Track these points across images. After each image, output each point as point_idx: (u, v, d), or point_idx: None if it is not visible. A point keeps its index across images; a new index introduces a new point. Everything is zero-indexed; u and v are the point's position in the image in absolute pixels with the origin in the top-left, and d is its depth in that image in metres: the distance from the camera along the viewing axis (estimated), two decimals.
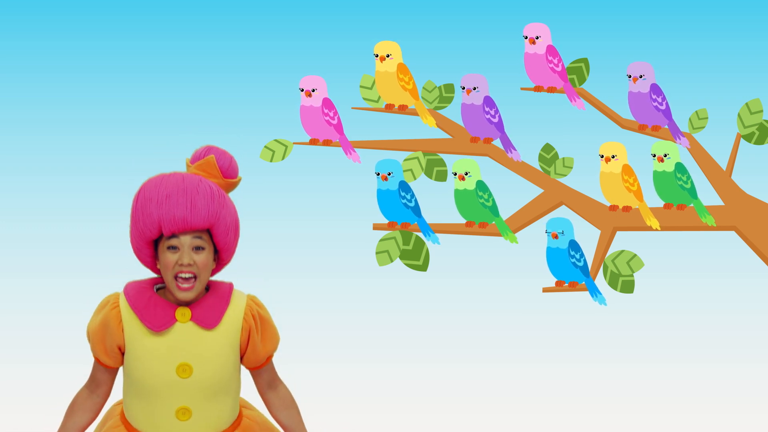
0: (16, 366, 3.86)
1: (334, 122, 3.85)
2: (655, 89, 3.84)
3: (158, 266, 2.35)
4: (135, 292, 2.35)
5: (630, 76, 3.85)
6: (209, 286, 2.40)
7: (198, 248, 2.30)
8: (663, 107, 3.84)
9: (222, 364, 2.36)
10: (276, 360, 2.51)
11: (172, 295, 2.34)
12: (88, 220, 4.07)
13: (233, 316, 2.37)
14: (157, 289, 2.39)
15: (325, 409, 3.59)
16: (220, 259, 2.39)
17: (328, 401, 3.60)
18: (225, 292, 2.39)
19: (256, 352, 2.41)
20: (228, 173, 2.40)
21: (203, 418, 2.36)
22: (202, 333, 2.34)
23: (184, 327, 2.33)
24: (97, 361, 2.39)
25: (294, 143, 3.86)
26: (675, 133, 3.85)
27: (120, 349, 2.35)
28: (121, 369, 2.41)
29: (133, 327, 2.33)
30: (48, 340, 3.87)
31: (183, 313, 2.33)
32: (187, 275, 2.30)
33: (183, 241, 2.29)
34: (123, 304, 2.34)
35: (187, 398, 2.34)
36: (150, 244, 2.32)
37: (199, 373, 2.33)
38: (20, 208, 4.20)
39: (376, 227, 3.75)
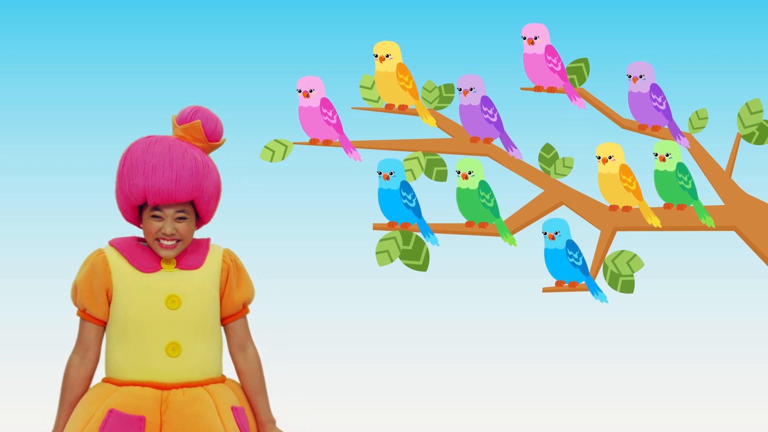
0: (16, 366, 3.86)
1: (333, 122, 3.85)
2: (655, 89, 3.83)
3: (142, 226, 2.42)
4: (122, 241, 2.44)
5: (630, 76, 3.85)
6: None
7: (181, 218, 2.39)
8: (663, 107, 3.84)
9: (208, 298, 2.42)
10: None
11: (155, 252, 2.42)
12: (88, 220, 4.07)
13: (213, 260, 2.45)
14: (139, 242, 2.47)
15: (325, 409, 3.59)
16: (201, 221, 2.48)
17: (328, 401, 3.60)
18: (204, 243, 2.48)
19: (232, 297, 2.47)
20: (213, 136, 2.46)
21: (192, 357, 2.40)
22: (188, 272, 2.42)
23: (170, 271, 2.41)
24: (84, 317, 2.42)
25: (294, 143, 3.86)
26: (675, 133, 3.85)
27: (108, 294, 2.39)
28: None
29: (120, 268, 2.39)
30: (48, 340, 3.86)
31: (168, 261, 2.41)
32: (170, 242, 2.39)
33: (166, 213, 2.37)
34: (110, 251, 2.42)
35: (176, 332, 2.38)
36: (135, 208, 2.40)
37: (187, 304, 2.38)
38: (20, 208, 4.20)
39: (376, 227, 3.75)
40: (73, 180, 4.19)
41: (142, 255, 2.40)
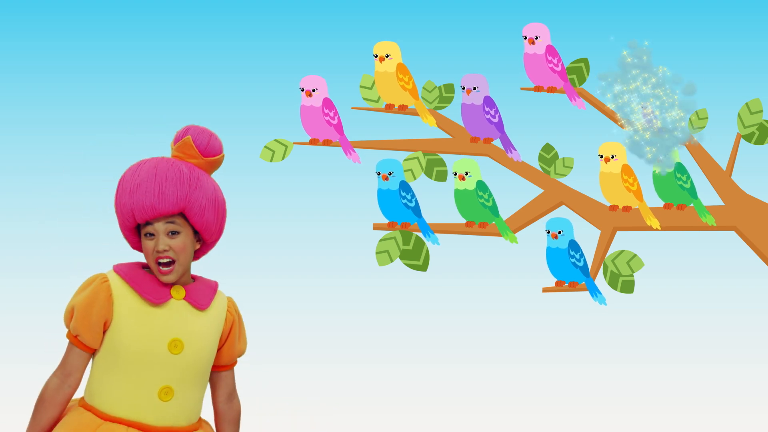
0: (16, 366, 3.86)
1: (334, 122, 3.85)
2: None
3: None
4: (128, 269, 2.36)
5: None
6: (195, 279, 2.43)
7: (173, 233, 2.32)
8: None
9: (209, 345, 2.38)
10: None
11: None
12: (88, 220, 4.08)
13: (219, 306, 2.41)
14: (145, 270, 2.40)
15: (325, 410, 3.59)
16: (204, 240, 2.40)
17: (328, 401, 3.60)
18: (212, 284, 2.43)
19: (232, 348, 2.44)
20: (207, 152, 2.39)
21: (182, 403, 2.36)
22: (195, 312, 2.36)
23: (178, 304, 2.34)
24: (74, 343, 2.35)
25: (294, 143, 3.86)
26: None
27: (105, 324, 2.32)
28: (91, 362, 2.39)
29: (124, 301, 2.32)
30: (46, 341, 3.86)
31: (177, 290, 2.35)
32: (166, 260, 2.32)
33: (157, 228, 2.31)
34: (114, 279, 2.34)
35: (172, 377, 2.34)
36: (133, 231, 2.35)
37: (189, 350, 2.34)
38: (20, 207, 4.20)
39: (376, 227, 3.75)
40: (73, 180, 4.19)
41: (151, 283, 2.33)
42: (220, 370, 2.46)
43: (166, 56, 4.38)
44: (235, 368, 2.50)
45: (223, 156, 2.42)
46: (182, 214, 2.33)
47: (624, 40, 4.14)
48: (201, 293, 2.38)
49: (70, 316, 2.35)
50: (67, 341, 2.37)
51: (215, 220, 2.38)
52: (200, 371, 2.38)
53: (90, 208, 4.08)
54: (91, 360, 2.38)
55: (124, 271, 2.35)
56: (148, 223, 2.31)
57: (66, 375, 2.36)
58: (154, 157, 2.36)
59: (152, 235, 2.31)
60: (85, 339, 2.34)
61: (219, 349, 2.43)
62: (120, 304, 2.32)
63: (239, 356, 2.48)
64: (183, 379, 2.35)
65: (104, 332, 2.34)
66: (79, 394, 2.41)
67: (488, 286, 3.93)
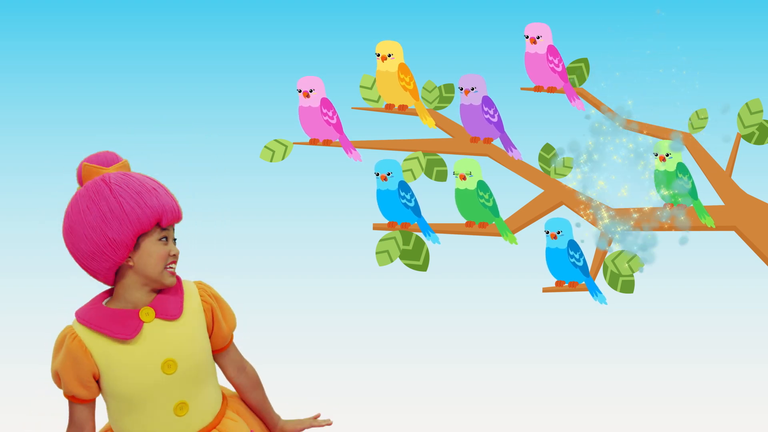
0: (16, 366, 3.86)
1: (333, 122, 3.85)
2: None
3: (131, 262, 2.30)
4: (89, 314, 2.33)
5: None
6: None
7: (175, 240, 2.37)
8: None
9: (200, 349, 2.38)
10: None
11: (157, 282, 2.32)
12: None
13: (192, 303, 2.40)
14: (105, 304, 2.37)
15: (325, 410, 3.59)
16: None
17: (328, 401, 3.60)
18: (176, 284, 2.40)
19: (222, 331, 2.44)
20: None
21: (200, 407, 2.38)
22: (171, 325, 2.34)
23: (152, 326, 2.33)
24: (73, 401, 2.35)
25: (294, 143, 3.86)
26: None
27: (95, 376, 2.32)
28: (99, 401, 2.39)
29: (101, 348, 2.30)
30: (47, 341, 3.86)
31: (147, 312, 2.33)
32: (174, 266, 2.35)
33: (171, 233, 2.34)
34: (81, 331, 2.31)
35: (180, 392, 2.35)
36: (134, 239, 2.29)
37: (183, 364, 2.34)
38: (20, 207, 4.20)
39: (376, 227, 3.75)
40: (73, 180, 4.18)
41: (116, 320, 2.31)
42: (220, 352, 2.48)
43: (166, 56, 4.38)
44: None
45: None
46: None
47: (624, 40, 4.15)
48: (168, 302, 2.36)
49: (58, 380, 2.35)
50: (67, 400, 2.38)
51: None
52: (203, 372, 2.39)
53: None
54: (106, 406, 2.39)
55: (86, 318, 2.32)
56: (166, 228, 2.32)
57: (79, 429, 2.38)
58: (125, 172, 2.34)
59: (165, 240, 2.33)
60: (82, 395, 2.34)
61: (210, 337, 2.43)
62: (98, 353, 2.31)
63: (231, 332, 2.48)
64: (190, 388, 2.37)
65: (98, 381, 2.34)
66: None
67: (488, 286, 3.93)
